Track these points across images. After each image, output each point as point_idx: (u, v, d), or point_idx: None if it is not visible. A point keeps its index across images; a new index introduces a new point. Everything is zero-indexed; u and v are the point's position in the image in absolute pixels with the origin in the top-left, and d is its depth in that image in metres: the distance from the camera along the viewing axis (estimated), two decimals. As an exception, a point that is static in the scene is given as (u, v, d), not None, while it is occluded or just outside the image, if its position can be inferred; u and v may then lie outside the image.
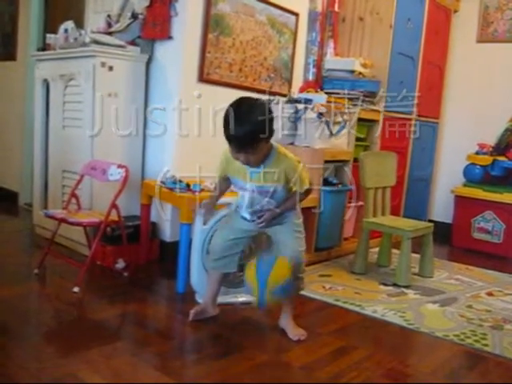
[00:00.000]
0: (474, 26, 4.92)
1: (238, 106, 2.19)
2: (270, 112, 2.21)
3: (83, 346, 2.17)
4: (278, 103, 3.84)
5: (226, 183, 2.47)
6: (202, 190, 2.97)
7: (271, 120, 2.19)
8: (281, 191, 2.31)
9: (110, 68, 3.29)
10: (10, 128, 4.97)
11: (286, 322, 2.45)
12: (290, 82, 4.09)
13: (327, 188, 3.60)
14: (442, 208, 5.11)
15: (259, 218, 2.37)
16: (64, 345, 2.18)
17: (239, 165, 2.26)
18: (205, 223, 2.57)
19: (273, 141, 2.27)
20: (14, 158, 4.90)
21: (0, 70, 5.10)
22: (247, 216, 2.42)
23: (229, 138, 2.15)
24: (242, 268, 2.66)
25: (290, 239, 2.39)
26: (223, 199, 2.58)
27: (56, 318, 2.52)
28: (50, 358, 2.04)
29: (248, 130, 2.11)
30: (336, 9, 4.37)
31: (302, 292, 2.99)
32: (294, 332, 2.41)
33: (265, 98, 3.82)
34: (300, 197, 2.37)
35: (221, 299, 2.63)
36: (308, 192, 2.40)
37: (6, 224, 4.32)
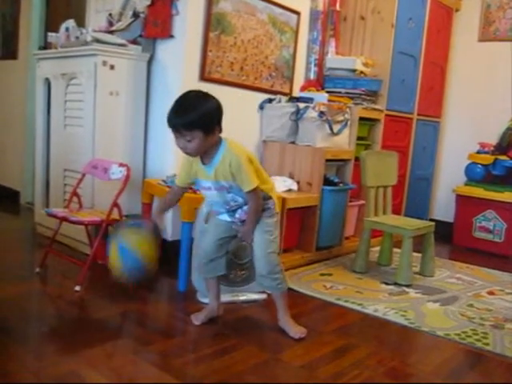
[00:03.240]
0: (476, 25, 4.91)
1: (187, 93, 2.23)
2: (216, 108, 2.21)
3: (85, 344, 2.17)
4: (279, 102, 3.85)
5: (179, 193, 2.43)
6: (203, 189, 2.96)
7: (214, 114, 2.19)
8: (237, 188, 2.26)
9: (112, 67, 3.29)
10: (12, 127, 4.98)
11: (284, 321, 2.44)
12: (291, 80, 4.09)
13: (328, 187, 3.60)
14: (443, 207, 5.11)
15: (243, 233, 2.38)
16: (65, 343, 2.19)
17: (197, 165, 2.27)
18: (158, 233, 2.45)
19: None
20: (16, 157, 4.91)
21: (1, 68, 5.11)
22: (227, 217, 2.40)
23: (167, 120, 2.17)
24: (242, 267, 2.67)
25: (259, 240, 2.35)
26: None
27: (57, 317, 2.53)
28: (51, 357, 2.05)
29: (186, 113, 2.12)
30: (337, 8, 4.37)
31: (303, 290, 3.01)
32: (294, 330, 2.41)
33: (266, 97, 3.86)
34: (251, 197, 2.27)
35: (222, 298, 2.62)
36: (255, 192, 2.26)
37: (7, 223, 4.33)
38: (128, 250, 2.19)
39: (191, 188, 2.98)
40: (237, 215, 2.38)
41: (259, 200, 2.31)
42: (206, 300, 2.65)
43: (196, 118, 2.12)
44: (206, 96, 2.22)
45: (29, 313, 2.53)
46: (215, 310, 2.53)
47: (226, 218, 2.41)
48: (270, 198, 2.38)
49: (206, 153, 2.23)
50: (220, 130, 2.23)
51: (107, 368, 2.00)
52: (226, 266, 2.53)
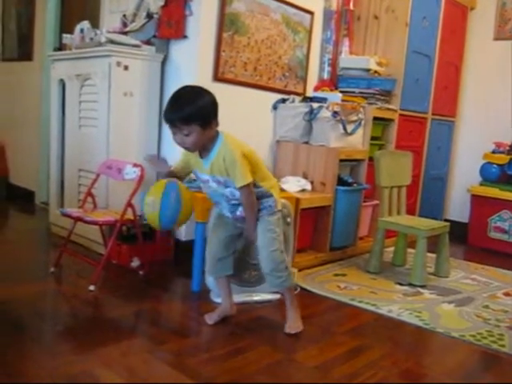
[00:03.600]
0: (491, 24, 4.87)
1: (183, 88, 2.24)
2: (212, 102, 2.21)
3: (99, 343, 2.18)
4: (293, 102, 3.85)
5: (185, 166, 2.42)
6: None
7: (210, 107, 2.19)
8: (233, 183, 2.26)
9: (126, 67, 3.30)
10: (27, 127, 5.02)
11: (288, 315, 2.46)
12: (304, 80, 4.08)
13: (342, 187, 3.59)
14: (457, 207, 5.07)
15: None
16: (80, 342, 2.20)
17: (195, 158, 2.29)
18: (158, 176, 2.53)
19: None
20: (31, 157, 4.95)
21: (17, 70, 5.16)
22: (228, 213, 2.41)
23: (164, 115, 2.19)
24: (256, 267, 2.67)
25: (262, 239, 2.36)
26: None
27: (72, 316, 2.55)
28: (65, 356, 2.06)
29: (182, 107, 2.13)
30: (351, 7, 4.35)
31: (317, 291, 3.00)
32: (289, 323, 2.43)
33: (280, 97, 3.85)
34: (242, 192, 2.26)
35: (236, 298, 2.63)
36: (247, 188, 2.25)
37: (22, 222, 4.37)
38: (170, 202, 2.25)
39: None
40: (238, 212, 2.38)
41: (251, 196, 2.29)
42: (219, 300, 2.65)
43: (193, 111, 2.13)
44: (201, 90, 2.23)
45: (44, 312, 2.55)
46: (228, 309, 2.54)
47: (227, 213, 2.41)
48: (271, 195, 2.37)
49: (203, 147, 2.24)
50: (216, 124, 2.24)
51: (121, 367, 2.01)
52: (234, 265, 2.54)
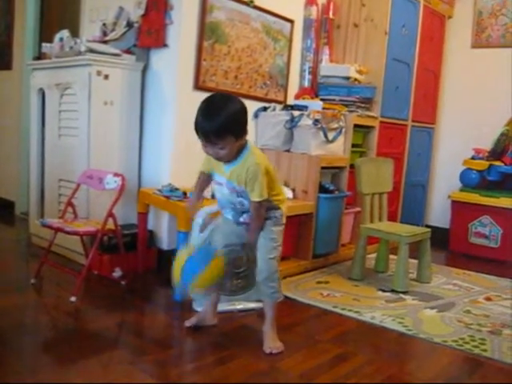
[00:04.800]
0: (468, 32, 4.94)
1: (212, 98, 2.19)
2: (244, 110, 2.18)
3: (80, 355, 2.16)
4: (274, 110, 3.86)
5: (206, 179, 2.42)
6: (198, 198, 2.96)
7: (242, 117, 2.17)
8: (247, 195, 2.24)
9: (106, 76, 3.29)
10: (6, 137, 4.96)
11: (266, 332, 2.39)
12: (285, 88, 4.10)
13: (324, 195, 3.60)
14: (438, 213, 5.12)
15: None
16: (61, 355, 2.17)
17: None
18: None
19: (255, 144, 2.25)
20: (10, 167, 4.89)
21: (-4, 79, 5.10)
22: (230, 216, 2.39)
23: (198, 128, 2.12)
24: (238, 275, 2.65)
25: (262, 245, 2.33)
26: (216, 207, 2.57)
27: (53, 328, 2.51)
28: (46, 369, 2.03)
29: (215, 119, 2.07)
30: (331, 16, 4.39)
31: (300, 299, 3.00)
32: (269, 344, 2.33)
33: (261, 105, 3.86)
34: (255, 207, 2.24)
35: (219, 307, 2.61)
36: (261, 205, 2.24)
37: (2, 233, 4.31)
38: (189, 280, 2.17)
39: (187, 197, 2.98)
40: (241, 219, 2.36)
41: (262, 210, 2.27)
42: (201, 309, 2.64)
43: (226, 123, 2.08)
44: (232, 98, 2.20)
45: (24, 324, 2.52)
46: (208, 317, 2.52)
47: (229, 216, 2.39)
48: (279, 208, 2.36)
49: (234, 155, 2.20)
50: (246, 132, 2.20)
51: (103, 379, 1.98)
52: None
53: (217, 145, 2.11)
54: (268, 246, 2.34)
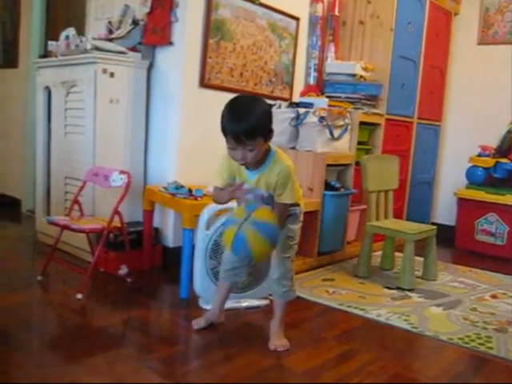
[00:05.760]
0: (475, 29, 4.92)
1: (239, 99, 2.14)
2: (270, 111, 2.15)
3: (87, 352, 2.17)
4: (279, 107, 3.85)
5: (231, 179, 2.31)
6: (204, 196, 2.97)
7: (270, 118, 2.14)
8: (272, 200, 2.21)
9: (112, 74, 3.29)
10: (12, 135, 4.98)
11: (273, 330, 2.38)
12: (291, 86, 4.09)
13: (330, 192, 3.60)
14: (444, 210, 5.10)
15: None
16: (67, 352, 2.18)
17: (239, 168, 2.21)
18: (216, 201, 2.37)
19: (273, 144, 2.21)
20: (17, 165, 4.91)
21: (2, 77, 5.12)
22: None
23: (227, 129, 2.05)
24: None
25: (279, 244, 2.27)
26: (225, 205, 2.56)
27: (59, 325, 2.52)
28: (53, 366, 2.04)
29: (248, 120, 2.01)
30: (336, 13, 4.38)
31: (306, 296, 3.00)
32: (275, 342, 2.33)
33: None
34: (281, 207, 2.20)
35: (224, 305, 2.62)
36: (287, 206, 2.23)
37: (8, 231, 4.33)
38: (243, 243, 2.04)
39: (192, 195, 2.99)
40: None
41: (285, 213, 2.27)
42: (208, 306, 2.65)
43: (257, 123, 2.03)
44: (257, 99, 2.17)
45: (31, 321, 2.53)
46: (216, 315, 2.52)
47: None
48: (299, 205, 2.35)
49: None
50: (273, 134, 2.15)
51: (109, 376, 1.99)
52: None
53: (247, 146, 2.04)
54: (285, 244, 2.31)
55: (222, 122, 2.08)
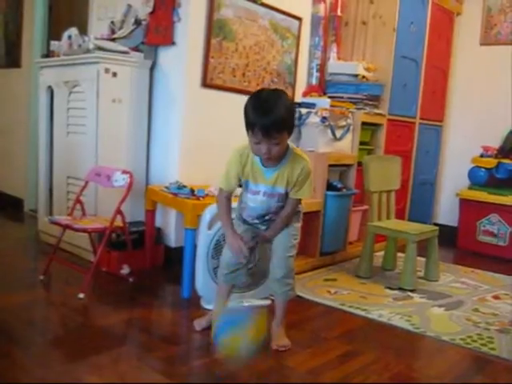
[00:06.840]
0: (477, 29, 4.92)
1: (260, 93, 2.11)
2: (293, 105, 2.15)
3: (89, 351, 2.17)
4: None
5: (230, 199, 2.31)
6: (206, 196, 2.97)
7: (294, 111, 2.13)
8: (284, 197, 2.23)
9: (114, 74, 3.30)
10: (15, 135, 4.99)
11: (274, 329, 2.38)
12: (293, 86, 4.09)
13: (331, 192, 3.59)
14: (446, 211, 5.10)
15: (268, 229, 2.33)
16: (70, 351, 2.18)
17: (252, 166, 2.19)
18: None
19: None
20: (19, 165, 4.92)
21: (5, 77, 5.13)
22: (259, 225, 2.35)
23: (255, 123, 2.01)
24: (247, 272, 2.65)
25: (283, 242, 2.31)
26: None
27: (62, 325, 2.53)
28: (55, 365, 2.04)
29: (275, 112, 1.99)
30: (339, 13, 4.38)
31: (307, 296, 3.00)
32: (277, 341, 2.33)
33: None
34: (293, 203, 2.25)
35: (226, 304, 2.62)
36: (299, 202, 2.30)
37: (11, 230, 4.33)
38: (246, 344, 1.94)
39: (194, 195, 2.99)
40: (263, 227, 2.34)
41: (295, 210, 2.29)
42: (210, 306, 2.65)
43: (285, 116, 2.02)
44: (280, 92, 2.13)
45: (32, 321, 2.53)
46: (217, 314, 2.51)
47: (254, 219, 2.34)
48: (301, 202, 2.36)
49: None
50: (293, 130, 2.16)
51: (111, 375, 1.99)
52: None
53: (274, 140, 2.03)
54: (288, 243, 2.32)
55: (248, 116, 2.05)
